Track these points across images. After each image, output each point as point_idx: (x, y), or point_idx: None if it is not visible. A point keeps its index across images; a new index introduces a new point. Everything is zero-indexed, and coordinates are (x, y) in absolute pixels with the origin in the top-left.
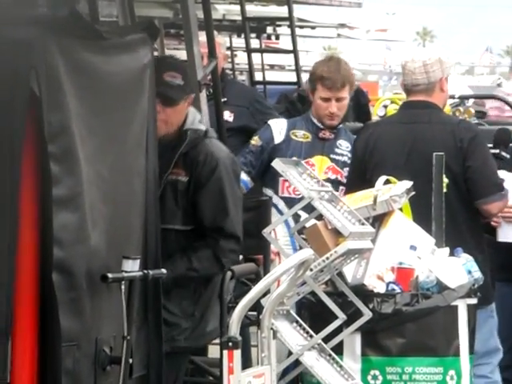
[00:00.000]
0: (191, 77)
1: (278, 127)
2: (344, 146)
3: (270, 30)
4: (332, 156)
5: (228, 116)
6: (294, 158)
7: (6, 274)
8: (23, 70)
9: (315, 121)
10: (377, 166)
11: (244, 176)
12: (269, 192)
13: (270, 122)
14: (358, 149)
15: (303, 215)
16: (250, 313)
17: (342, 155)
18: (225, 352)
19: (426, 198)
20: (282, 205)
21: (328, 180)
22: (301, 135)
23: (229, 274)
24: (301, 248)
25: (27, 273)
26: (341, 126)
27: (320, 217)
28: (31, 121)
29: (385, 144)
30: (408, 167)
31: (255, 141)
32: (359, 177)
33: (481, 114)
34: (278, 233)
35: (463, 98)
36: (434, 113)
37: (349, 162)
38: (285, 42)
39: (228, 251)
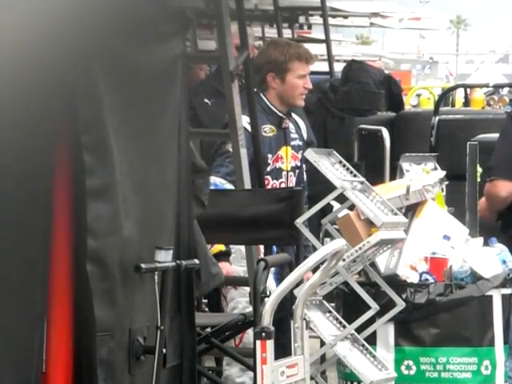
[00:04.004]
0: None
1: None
2: (293, 130)
3: (302, 19)
4: (291, 143)
5: None
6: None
7: (41, 264)
8: (57, 61)
9: (275, 109)
10: None
11: (231, 187)
12: None
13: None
14: None
15: (335, 205)
16: None
17: (296, 139)
18: (258, 342)
19: None
20: None
21: (293, 168)
22: (268, 130)
23: (262, 264)
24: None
25: (62, 263)
26: None
27: (352, 207)
28: (65, 112)
29: None
30: None
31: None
32: None
33: None
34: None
35: (498, 87)
36: None
37: (300, 143)
38: (317, 32)
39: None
